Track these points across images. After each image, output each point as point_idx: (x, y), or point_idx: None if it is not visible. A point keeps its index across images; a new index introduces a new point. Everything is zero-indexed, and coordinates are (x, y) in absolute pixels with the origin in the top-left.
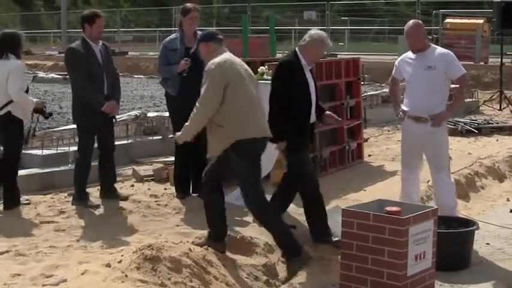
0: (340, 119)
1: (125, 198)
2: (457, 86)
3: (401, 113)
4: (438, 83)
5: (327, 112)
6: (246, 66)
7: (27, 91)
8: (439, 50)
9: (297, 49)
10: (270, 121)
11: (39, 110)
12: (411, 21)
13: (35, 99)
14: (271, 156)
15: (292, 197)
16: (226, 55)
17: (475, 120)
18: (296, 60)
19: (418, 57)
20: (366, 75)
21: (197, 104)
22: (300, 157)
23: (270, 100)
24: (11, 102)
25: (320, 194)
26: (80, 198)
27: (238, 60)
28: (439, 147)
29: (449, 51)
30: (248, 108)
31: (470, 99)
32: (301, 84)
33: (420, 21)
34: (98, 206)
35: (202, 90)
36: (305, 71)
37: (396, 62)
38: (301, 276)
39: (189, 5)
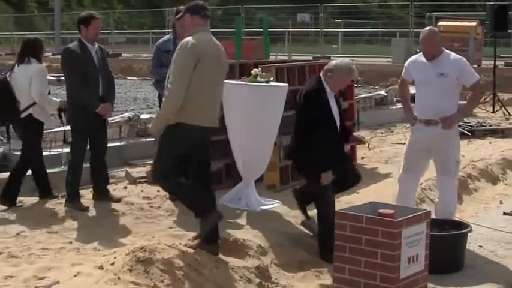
0: (364, 139)
1: (118, 200)
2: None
3: (414, 120)
4: (450, 90)
5: (354, 134)
6: (221, 52)
7: (49, 93)
8: (453, 56)
9: (321, 76)
10: (297, 149)
11: (64, 109)
12: (427, 28)
13: (58, 99)
14: (264, 159)
15: None
16: (205, 36)
17: (468, 122)
18: (321, 87)
19: (431, 62)
20: (359, 78)
21: (168, 85)
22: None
23: (296, 129)
24: (32, 104)
25: None
26: (72, 200)
27: (213, 43)
28: (448, 151)
29: (463, 58)
30: (206, 95)
31: (463, 102)
32: (327, 110)
33: (435, 28)
34: (89, 208)
35: (173, 69)
36: (329, 98)
37: (406, 64)
38: (296, 280)
39: (182, 7)
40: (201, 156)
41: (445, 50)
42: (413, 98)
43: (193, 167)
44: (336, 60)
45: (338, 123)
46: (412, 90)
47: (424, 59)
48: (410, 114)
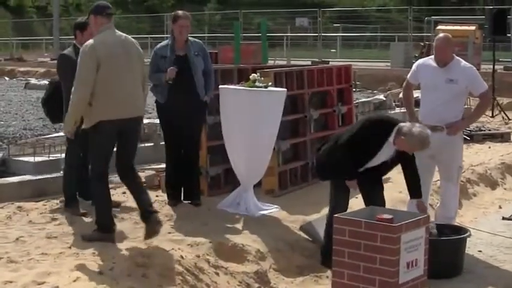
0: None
1: (117, 205)
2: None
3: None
4: (457, 96)
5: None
6: (128, 44)
7: None
8: (463, 64)
9: (395, 130)
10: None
11: None
12: (441, 35)
13: None
14: (262, 164)
15: None
16: (105, 34)
17: (467, 127)
18: (387, 132)
19: (441, 67)
20: (357, 82)
21: (73, 88)
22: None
23: (342, 148)
24: None
25: None
26: (70, 206)
27: (117, 39)
28: (452, 157)
29: (473, 66)
30: (118, 89)
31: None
32: (373, 148)
33: (449, 35)
34: (86, 214)
35: (76, 74)
36: (386, 147)
37: (414, 66)
38: (295, 285)
39: (180, 12)
40: (128, 151)
41: (455, 56)
42: (416, 103)
43: (120, 163)
44: (415, 127)
45: (370, 166)
46: (415, 94)
47: (433, 63)
48: (414, 120)
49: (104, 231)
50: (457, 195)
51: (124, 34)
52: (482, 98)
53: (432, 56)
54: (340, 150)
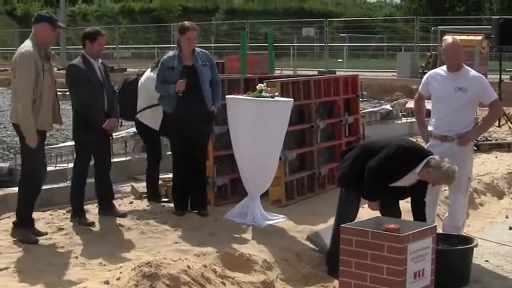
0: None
1: (124, 215)
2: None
3: (428, 137)
4: (467, 105)
5: None
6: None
7: None
8: (473, 72)
9: (424, 161)
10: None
11: None
12: (450, 39)
13: None
14: (269, 174)
15: None
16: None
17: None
18: (415, 163)
19: (449, 76)
20: (364, 92)
21: (17, 95)
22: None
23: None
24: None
25: None
26: (77, 215)
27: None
28: (462, 168)
29: (482, 75)
30: (46, 100)
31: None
32: (395, 177)
33: (457, 38)
34: (94, 224)
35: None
36: (411, 176)
37: (424, 78)
38: None
39: (186, 23)
40: None
41: (464, 65)
42: (428, 114)
43: None
44: (444, 161)
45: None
46: (427, 105)
47: (443, 73)
48: (425, 130)
49: (23, 227)
50: (466, 206)
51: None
52: (492, 107)
53: (442, 67)
54: (368, 174)
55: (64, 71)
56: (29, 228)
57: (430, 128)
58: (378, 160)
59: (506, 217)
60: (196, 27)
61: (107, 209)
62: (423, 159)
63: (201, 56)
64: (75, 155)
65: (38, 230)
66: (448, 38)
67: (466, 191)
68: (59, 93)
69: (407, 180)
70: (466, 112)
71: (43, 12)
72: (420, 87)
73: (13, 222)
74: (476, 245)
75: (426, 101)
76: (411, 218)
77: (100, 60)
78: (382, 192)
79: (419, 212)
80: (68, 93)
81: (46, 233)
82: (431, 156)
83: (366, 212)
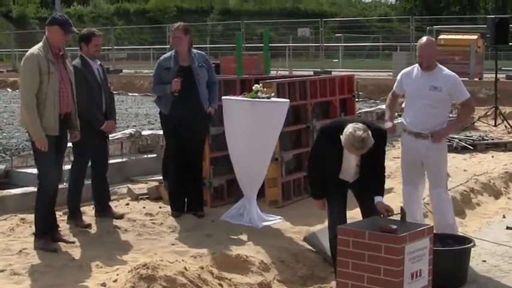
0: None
1: (120, 217)
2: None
3: (389, 123)
4: (441, 104)
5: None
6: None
7: None
8: (446, 71)
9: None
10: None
11: None
12: (424, 38)
13: None
14: (262, 173)
15: None
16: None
17: (470, 136)
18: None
19: (424, 75)
20: (360, 92)
21: (21, 98)
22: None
23: (307, 164)
24: None
25: None
26: (74, 217)
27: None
28: (438, 164)
29: (455, 74)
30: (51, 104)
31: (452, 115)
32: (339, 161)
33: (432, 39)
34: (90, 225)
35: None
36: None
37: (398, 76)
38: None
39: (175, 24)
40: None
41: (438, 64)
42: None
43: None
44: (349, 128)
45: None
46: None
47: (416, 71)
48: (390, 122)
49: (43, 236)
50: (450, 201)
51: None
52: (464, 106)
53: (415, 65)
54: (306, 168)
55: None
56: (49, 236)
57: (404, 124)
58: (311, 149)
59: (503, 217)
60: (181, 27)
61: (104, 210)
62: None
63: (197, 57)
64: (72, 157)
65: (63, 238)
66: (423, 38)
67: (446, 187)
68: None
69: (351, 159)
70: (440, 110)
71: (57, 15)
72: (395, 86)
73: (33, 233)
74: (473, 245)
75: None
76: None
77: (98, 62)
78: (350, 185)
79: (376, 185)
80: None
81: (74, 242)
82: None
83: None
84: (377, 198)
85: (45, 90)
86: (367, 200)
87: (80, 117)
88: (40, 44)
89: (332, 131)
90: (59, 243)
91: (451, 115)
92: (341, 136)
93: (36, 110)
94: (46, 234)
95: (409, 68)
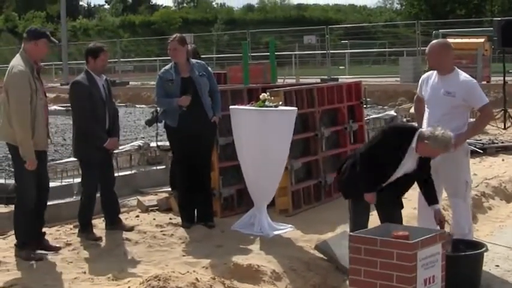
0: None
1: (131, 229)
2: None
3: None
4: (457, 110)
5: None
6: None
7: None
8: (463, 76)
9: (416, 135)
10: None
11: None
12: (434, 41)
13: None
14: (274, 183)
15: None
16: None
17: (480, 140)
18: (408, 140)
19: (440, 79)
20: (368, 99)
21: (13, 118)
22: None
23: (362, 158)
24: None
25: None
26: (85, 231)
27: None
28: (456, 172)
29: (472, 79)
30: (41, 119)
31: (473, 119)
32: (397, 164)
33: (445, 41)
34: (101, 238)
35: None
36: (408, 154)
37: (420, 80)
38: None
39: (171, 36)
40: None
41: (456, 68)
42: None
43: None
44: (437, 130)
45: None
46: None
47: (434, 76)
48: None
49: (24, 247)
50: (468, 211)
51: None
52: (481, 112)
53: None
54: (360, 162)
55: (67, 86)
56: (32, 247)
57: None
58: (368, 145)
59: None
60: (177, 38)
61: (114, 223)
62: (413, 133)
63: (197, 67)
64: (81, 172)
65: (50, 245)
66: (433, 41)
67: (466, 196)
68: (62, 108)
69: (409, 163)
70: (457, 116)
71: (40, 28)
72: (418, 89)
73: (14, 244)
74: (486, 250)
75: None
76: (416, 225)
77: (104, 77)
78: (381, 187)
79: (432, 193)
80: (71, 109)
81: (60, 248)
82: (421, 129)
83: (375, 219)
84: (435, 207)
85: (34, 107)
86: (391, 207)
87: (82, 133)
88: (19, 58)
89: (404, 132)
90: (67, 257)
91: (471, 120)
92: (425, 139)
93: (30, 131)
94: (28, 245)
95: (429, 73)
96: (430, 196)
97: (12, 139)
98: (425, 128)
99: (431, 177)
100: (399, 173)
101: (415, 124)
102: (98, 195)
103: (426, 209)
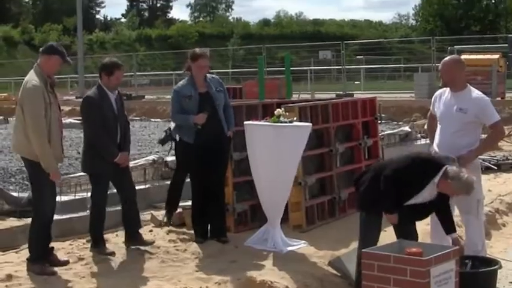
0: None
1: (151, 243)
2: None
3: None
4: (468, 126)
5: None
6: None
7: None
8: (475, 93)
9: (442, 172)
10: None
11: None
12: (448, 57)
13: None
14: (285, 198)
15: None
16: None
17: (494, 156)
18: (433, 174)
19: (452, 96)
20: (382, 114)
21: (30, 132)
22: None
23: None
24: None
25: None
26: (97, 245)
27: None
28: None
29: (485, 96)
30: (56, 133)
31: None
32: (415, 192)
33: (457, 57)
34: (114, 253)
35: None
36: (429, 189)
37: (433, 97)
38: None
39: (198, 50)
40: None
41: (469, 85)
42: None
43: None
44: (462, 172)
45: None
46: None
47: (446, 93)
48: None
49: (37, 262)
50: (481, 228)
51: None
52: (493, 129)
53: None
54: (384, 183)
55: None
56: (44, 261)
57: (434, 147)
58: (394, 168)
59: None
60: (207, 55)
61: (134, 238)
62: (440, 169)
63: (213, 82)
64: (91, 186)
65: (59, 260)
66: (446, 58)
67: (478, 213)
68: (77, 121)
69: (427, 194)
70: (468, 133)
71: (55, 44)
72: (431, 106)
73: (27, 259)
74: (500, 267)
75: None
76: (429, 241)
77: (117, 92)
78: (400, 209)
79: (449, 222)
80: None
81: (68, 262)
82: (448, 167)
83: (389, 236)
84: (453, 235)
85: (49, 121)
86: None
87: (92, 148)
88: (32, 73)
89: (432, 164)
90: (79, 272)
91: (483, 136)
92: (449, 178)
93: (48, 144)
94: (41, 259)
95: (441, 90)
96: (447, 225)
97: (29, 154)
98: (452, 167)
99: (450, 208)
100: (415, 200)
101: (444, 160)
102: (114, 209)
103: (439, 225)
